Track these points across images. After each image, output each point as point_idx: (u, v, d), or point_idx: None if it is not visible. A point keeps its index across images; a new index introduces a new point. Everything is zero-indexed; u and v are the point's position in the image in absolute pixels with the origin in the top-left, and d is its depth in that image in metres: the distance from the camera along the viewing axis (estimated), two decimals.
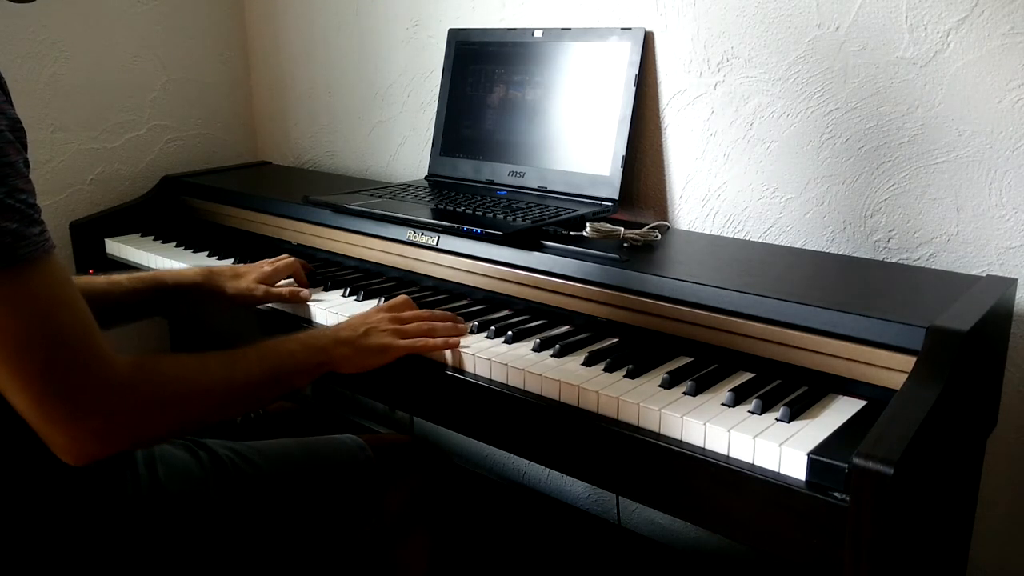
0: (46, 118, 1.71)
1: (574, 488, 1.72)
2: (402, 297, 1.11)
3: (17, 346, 0.67)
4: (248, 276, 1.23)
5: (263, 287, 1.22)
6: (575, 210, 1.29)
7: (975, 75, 1.09)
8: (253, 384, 0.88)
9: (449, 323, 1.07)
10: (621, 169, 1.33)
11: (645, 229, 1.24)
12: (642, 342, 1.04)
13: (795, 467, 0.76)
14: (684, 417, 0.84)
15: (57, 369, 0.69)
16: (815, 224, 1.25)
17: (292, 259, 1.28)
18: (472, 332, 1.08)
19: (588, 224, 1.22)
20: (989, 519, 1.19)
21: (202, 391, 0.82)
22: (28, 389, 0.69)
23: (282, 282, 1.27)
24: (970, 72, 1.09)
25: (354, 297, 1.23)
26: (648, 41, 1.35)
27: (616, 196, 1.33)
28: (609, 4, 1.40)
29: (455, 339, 1.04)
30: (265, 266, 1.25)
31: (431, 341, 1.03)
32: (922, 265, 1.17)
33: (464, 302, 1.20)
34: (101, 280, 1.13)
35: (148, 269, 1.54)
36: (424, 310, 1.09)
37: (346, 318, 1.14)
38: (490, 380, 0.99)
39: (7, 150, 0.68)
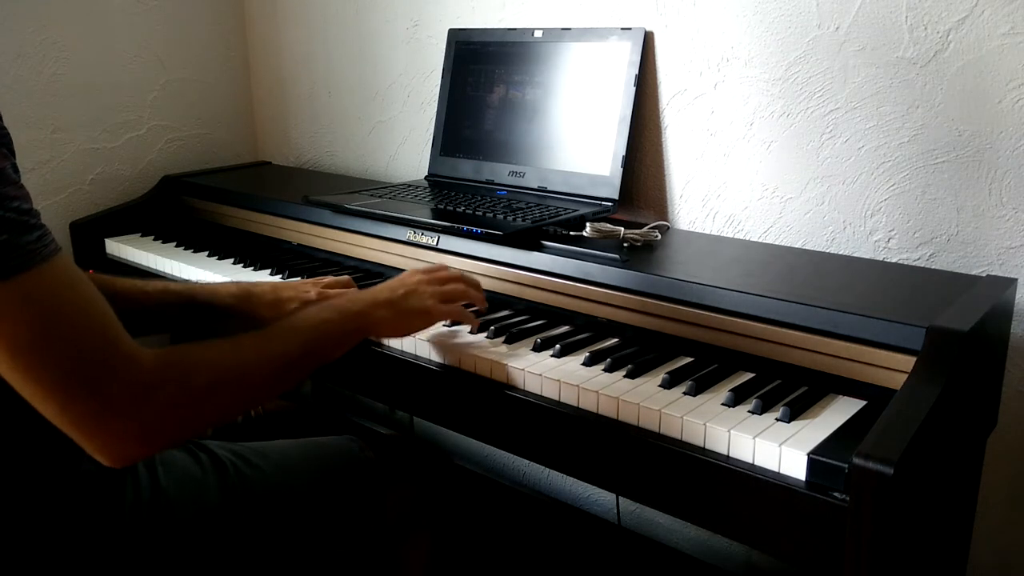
0: (46, 118, 1.71)
1: (574, 488, 1.71)
2: (438, 264, 1.08)
3: (32, 357, 0.65)
4: (288, 304, 1.11)
5: None
6: (575, 210, 1.29)
7: (975, 75, 1.09)
8: (291, 361, 0.84)
9: (479, 292, 1.06)
10: (621, 169, 1.33)
11: (645, 229, 1.24)
12: (642, 342, 1.04)
13: (795, 467, 0.76)
14: (684, 417, 0.84)
15: (78, 374, 0.66)
16: (815, 224, 1.25)
17: (346, 280, 1.17)
18: (471, 332, 1.08)
19: (588, 224, 1.22)
20: (989, 519, 1.19)
21: (237, 375, 0.78)
22: (53, 398, 0.66)
23: None
24: (970, 72, 1.09)
25: None
26: (648, 41, 1.35)
27: (616, 196, 1.33)
28: (609, 4, 1.40)
29: (477, 321, 1.06)
30: (311, 293, 1.13)
31: (468, 314, 1.03)
32: (922, 265, 1.17)
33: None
34: (127, 284, 1.07)
35: (148, 269, 1.54)
36: (456, 270, 1.06)
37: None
38: (490, 380, 0.99)
39: None
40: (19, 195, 0.67)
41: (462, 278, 1.05)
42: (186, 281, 1.41)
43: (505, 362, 0.98)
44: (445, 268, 1.06)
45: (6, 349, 0.65)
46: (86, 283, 0.70)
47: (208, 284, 1.14)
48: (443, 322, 1.09)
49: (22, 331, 0.65)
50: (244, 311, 1.11)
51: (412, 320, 0.99)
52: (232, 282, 1.14)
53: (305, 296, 1.12)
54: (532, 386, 0.96)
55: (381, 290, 0.99)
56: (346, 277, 1.20)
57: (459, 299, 1.02)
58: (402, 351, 1.08)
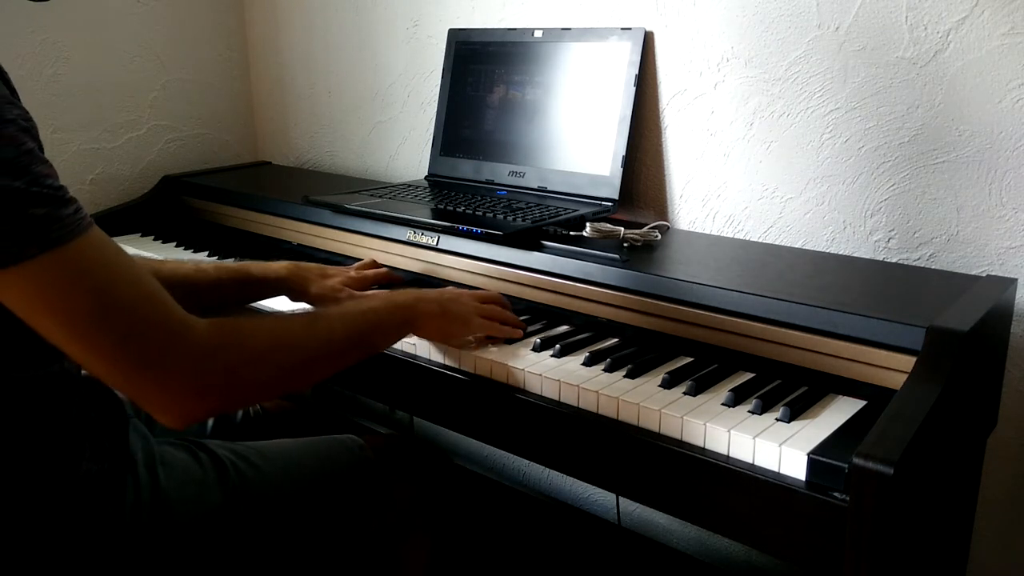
0: (46, 118, 1.71)
1: (574, 488, 1.72)
2: (495, 294, 1.12)
3: (89, 326, 0.67)
4: (335, 278, 1.18)
5: (347, 291, 1.17)
6: (575, 210, 1.29)
7: (975, 75, 1.09)
8: (338, 344, 0.87)
9: (514, 318, 1.08)
10: (621, 169, 1.33)
11: (645, 229, 1.24)
12: (642, 342, 1.04)
13: (795, 467, 0.76)
14: (684, 417, 0.84)
15: (136, 338, 0.69)
16: (815, 224, 1.25)
17: (383, 268, 1.24)
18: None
19: (588, 224, 1.22)
20: (989, 519, 1.19)
21: (288, 346, 0.81)
22: (115, 365, 0.69)
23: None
24: (970, 72, 1.09)
25: None
26: (648, 41, 1.35)
27: (616, 196, 1.33)
28: (609, 4, 1.40)
29: (519, 331, 1.07)
30: (351, 271, 1.21)
31: (505, 328, 1.05)
32: (922, 265, 1.17)
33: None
34: (188, 267, 1.11)
35: None
36: (505, 311, 1.10)
37: None
38: (490, 379, 0.99)
39: (22, 138, 0.68)
40: (50, 173, 0.69)
41: (500, 300, 1.10)
42: None
43: (505, 362, 0.98)
44: (487, 292, 1.12)
45: (63, 321, 0.68)
46: (127, 254, 0.72)
47: (258, 262, 1.18)
48: None
49: (76, 301, 0.67)
50: (295, 284, 1.16)
51: (454, 324, 1.01)
52: (281, 261, 1.19)
53: (346, 273, 1.19)
54: (532, 386, 0.96)
55: (428, 291, 1.03)
56: (372, 260, 1.26)
57: (496, 318, 1.06)
58: (402, 351, 1.08)
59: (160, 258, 1.12)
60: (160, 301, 0.72)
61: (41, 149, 0.71)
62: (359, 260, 1.37)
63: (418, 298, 0.99)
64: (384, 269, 1.26)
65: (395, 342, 0.98)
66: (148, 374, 0.70)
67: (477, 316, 1.03)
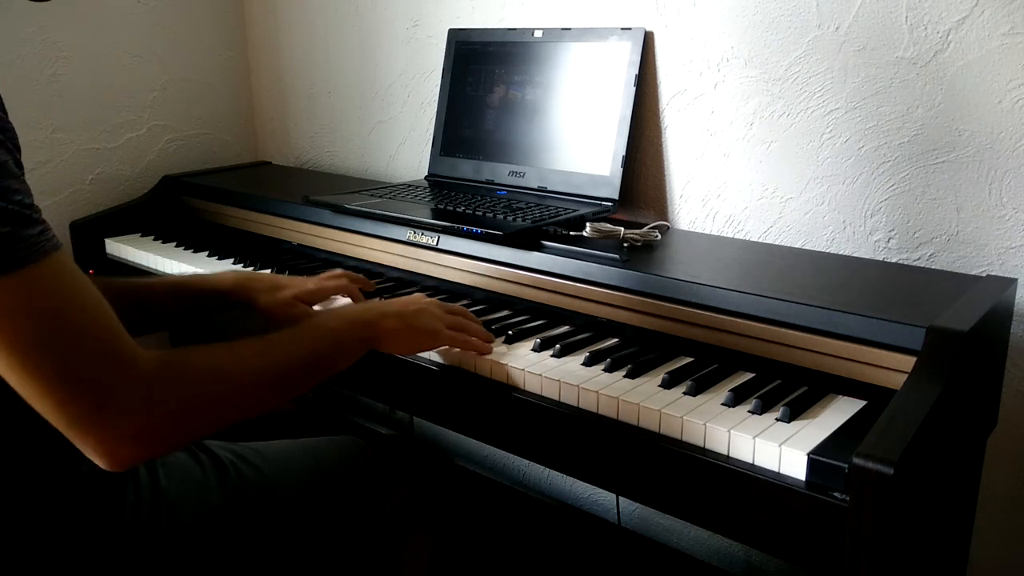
0: (46, 118, 1.71)
1: (574, 488, 1.72)
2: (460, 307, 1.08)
3: (32, 353, 0.64)
4: (286, 291, 1.11)
5: (300, 305, 1.11)
6: (575, 210, 1.29)
7: (975, 75, 1.09)
8: (295, 368, 0.83)
9: (482, 331, 1.04)
10: (621, 169, 1.33)
11: (645, 229, 1.24)
12: (642, 342, 1.04)
13: (795, 467, 0.76)
14: (684, 417, 0.84)
15: (78, 372, 0.65)
16: (815, 224, 1.26)
17: (343, 279, 1.17)
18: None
19: (588, 224, 1.22)
20: (989, 519, 1.19)
21: (239, 381, 0.77)
22: (51, 395, 0.65)
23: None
24: (970, 72, 1.09)
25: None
26: (648, 41, 1.35)
27: (616, 196, 1.33)
28: (609, 4, 1.40)
29: (489, 347, 1.02)
30: (309, 283, 1.14)
31: (474, 341, 1.01)
32: (922, 265, 1.17)
33: (464, 302, 1.20)
34: (139, 283, 1.08)
35: (148, 269, 1.54)
36: (463, 308, 1.07)
37: None
38: (490, 379, 0.99)
39: None
40: (21, 189, 0.66)
41: (467, 314, 1.06)
42: None
43: (505, 362, 0.98)
44: (453, 304, 1.08)
45: (5, 345, 0.64)
46: (87, 281, 0.69)
47: (206, 274, 1.15)
48: None
49: (24, 326, 0.64)
50: (241, 296, 1.11)
51: (420, 337, 0.98)
52: (230, 271, 1.15)
53: (302, 286, 1.13)
54: (532, 386, 0.96)
55: (391, 303, 0.99)
56: (340, 270, 1.20)
57: (463, 329, 1.02)
58: None
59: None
60: (110, 333, 0.68)
61: (18, 164, 0.68)
62: (358, 260, 1.37)
63: (381, 314, 0.95)
64: (341, 280, 1.17)
65: (356, 359, 0.93)
66: (85, 409, 0.66)
67: (444, 327, 0.99)
